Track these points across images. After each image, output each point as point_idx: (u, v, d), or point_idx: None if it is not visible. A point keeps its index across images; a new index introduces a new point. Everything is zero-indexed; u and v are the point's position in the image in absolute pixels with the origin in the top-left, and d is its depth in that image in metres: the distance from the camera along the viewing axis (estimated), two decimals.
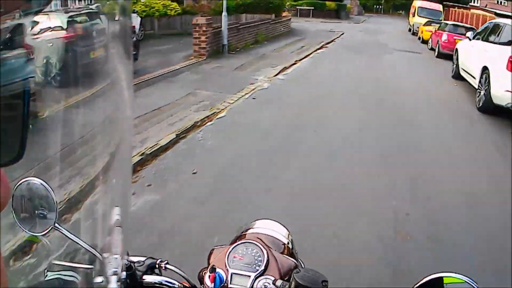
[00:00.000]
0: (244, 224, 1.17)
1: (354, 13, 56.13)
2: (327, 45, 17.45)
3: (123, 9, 0.69)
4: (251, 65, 11.40)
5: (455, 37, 15.87)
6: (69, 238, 0.85)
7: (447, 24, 17.21)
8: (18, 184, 0.82)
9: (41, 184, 0.82)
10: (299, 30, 22.59)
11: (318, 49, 15.83)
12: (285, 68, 11.15)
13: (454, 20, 31.70)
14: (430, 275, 0.76)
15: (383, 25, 36.45)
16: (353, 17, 48.20)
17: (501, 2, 51.82)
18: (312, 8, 36.56)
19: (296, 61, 12.37)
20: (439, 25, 19.19)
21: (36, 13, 0.59)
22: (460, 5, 35.86)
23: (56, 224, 0.84)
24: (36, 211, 0.83)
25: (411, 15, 29.87)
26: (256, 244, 0.93)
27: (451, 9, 30.74)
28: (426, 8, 27.44)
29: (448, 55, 15.81)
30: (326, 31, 23.52)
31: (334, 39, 20.11)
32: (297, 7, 36.55)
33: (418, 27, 26.03)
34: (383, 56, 15.30)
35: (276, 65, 11.26)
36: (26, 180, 0.83)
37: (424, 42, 21.28)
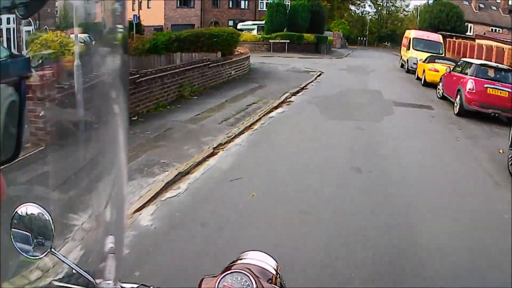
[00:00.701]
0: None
1: (337, 46, 51.59)
2: (293, 98, 11.80)
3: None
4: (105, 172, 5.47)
5: (487, 85, 10.32)
6: (65, 262, 0.89)
7: (469, 64, 11.61)
8: (17, 208, 0.87)
9: (39, 209, 0.87)
10: (262, 72, 17.04)
11: (276, 107, 10.09)
12: (181, 177, 5.24)
13: (456, 54, 26.72)
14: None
15: (369, 60, 31.34)
16: (335, 50, 43.40)
17: (495, 30, 48.03)
18: (288, 41, 31.44)
19: (219, 147, 6.46)
20: (453, 65, 13.69)
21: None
22: (459, 35, 31.22)
23: (52, 249, 0.88)
24: (33, 236, 0.87)
25: (403, 48, 24.71)
26: (245, 274, 0.96)
27: (448, 39, 25.65)
28: (423, 39, 22.32)
29: (478, 113, 10.22)
30: (299, 72, 18.04)
31: (307, 84, 14.54)
32: (270, 40, 31.37)
33: (415, 63, 20.76)
34: (380, 119, 9.55)
35: (166, 167, 5.37)
36: (25, 205, 0.88)
37: (427, 84, 15.89)
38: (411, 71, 21.12)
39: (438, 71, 15.67)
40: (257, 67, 18.29)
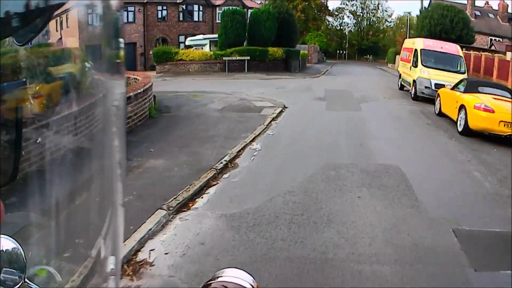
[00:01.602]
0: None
1: (313, 61, 44.57)
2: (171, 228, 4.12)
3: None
4: None
5: None
6: None
7: None
8: None
9: (12, 242, 0.84)
10: (176, 117, 9.50)
11: None
12: None
13: (483, 73, 19.66)
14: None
15: (355, 79, 24.12)
16: (311, 66, 36.28)
17: (495, 40, 41.90)
18: (247, 58, 24.05)
19: None
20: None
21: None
22: (470, 46, 24.42)
23: (26, 280, 0.84)
24: (4, 269, 0.84)
25: (403, 64, 17.54)
26: None
27: (464, 52, 18.43)
28: (436, 51, 15.14)
29: None
30: (245, 111, 10.59)
31: (241, 150, 6.93)
32: (225, 58, 23.94)
33: (427, 87, 13.64)
34: None
35: None
36: None
37: (472, 133, 8.63)
38: (421, 98, 13.90)
39: (493, 111, 8.42)
40: (178, 103, 10.76)
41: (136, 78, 10.04)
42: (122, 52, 0.77)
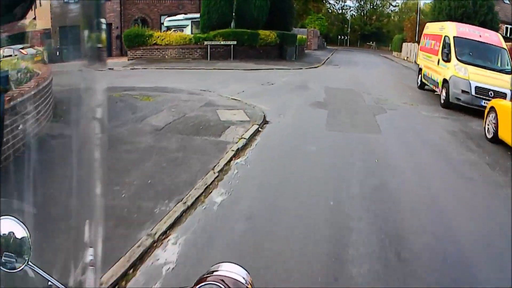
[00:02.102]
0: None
1: (312, 47, 40.56)
2: None
3: None
4: None
5: None
6: (42, 276, 0.90)
7: None
8: None
9: (17, 222, 0.89)
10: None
11: None
12: None
13: None
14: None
15: (360, 71, 20.41)
16: (310, 54, 32.31)
17: None
18: (234, 43, 20.15)
19: None
20: None
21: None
22: None
23: (29, 262, 0.90)
24: (10, 249, 0.88)
25: (426, 56, 13.70)
26: (219, 286, 0.98)
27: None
28: (474, 40, 11.33)
29: None
30: (200, 126, 6.85)
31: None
32: (206, 42, 20.02)
33: (466, 92, 10.00)
34: None
35: None
36: (1, 218, 0.89)
37: None
38: (454, 106, 10.26)
39: None
40: (109, 113, 7.04)
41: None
42: (103, 35, 0.74)
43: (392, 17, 64.08)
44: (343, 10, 68.30)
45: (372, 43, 63.16)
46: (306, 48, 36.95)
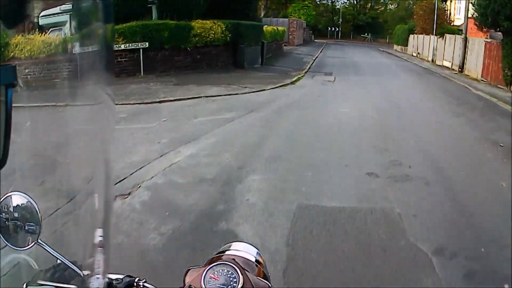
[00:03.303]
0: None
1: (296, 42, 31.58)
2: None
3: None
4: None
5: None
6: (52, 254, 0.89)
7: None
8: (3, 197, 0.86)
9: (26, 198, 0.86)
10: None
11: None
12: None
13: None
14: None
15: (375, 92, 11.35)
16: (289, 52, 23.33)
17: None
18: (145, 46, 11.21)
19: None
20: None
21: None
22: None
23: (39, 240, 0.87)
24: (19, 226, 0.86)
25: None
26: (231, 265, 0.98)
27: None
28: None
29: None
30: None
31: None
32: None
33: None
34: None
35: None
36: (11, 194, 0.87)
37: None
38: None
39: None
40: None
41: None
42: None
43: (390, 5, 55.29)
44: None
45: (367, 35, 54.44)
46: (288, 44, 28.06)
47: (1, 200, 0.85)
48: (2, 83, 0.58)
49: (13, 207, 0.85)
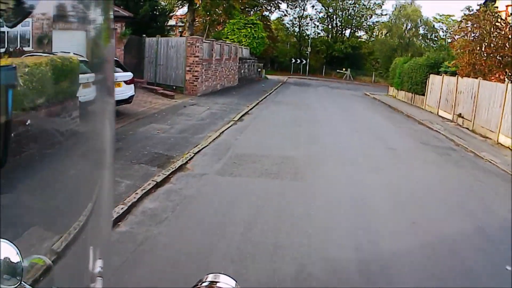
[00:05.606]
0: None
1: (200, 90, 15.18)
2: None
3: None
4: None
5: None
6: None
7: None
8: None
9: (9, 246, 0.85)
10: None
11: None
12: None
13: None
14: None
15: None
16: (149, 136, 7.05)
17: None
18: None
19: None
20: None
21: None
22: None
23: (22, 282, 0.86)
24: (2, 269, 0.86)
25: None
26: None
27: None
28: None
29: None
30: None
31: None
32: None
33: None
34: None
35: None
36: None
37: None
38: None
39: None
40: None
41: None
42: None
43: (379, 31, 40.38)
44: (301, 22, 44.04)
45: (346, 70, 39.14)
46: (182, 93, 11.80)
47: None
48: (3, 83, 0.58)
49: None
